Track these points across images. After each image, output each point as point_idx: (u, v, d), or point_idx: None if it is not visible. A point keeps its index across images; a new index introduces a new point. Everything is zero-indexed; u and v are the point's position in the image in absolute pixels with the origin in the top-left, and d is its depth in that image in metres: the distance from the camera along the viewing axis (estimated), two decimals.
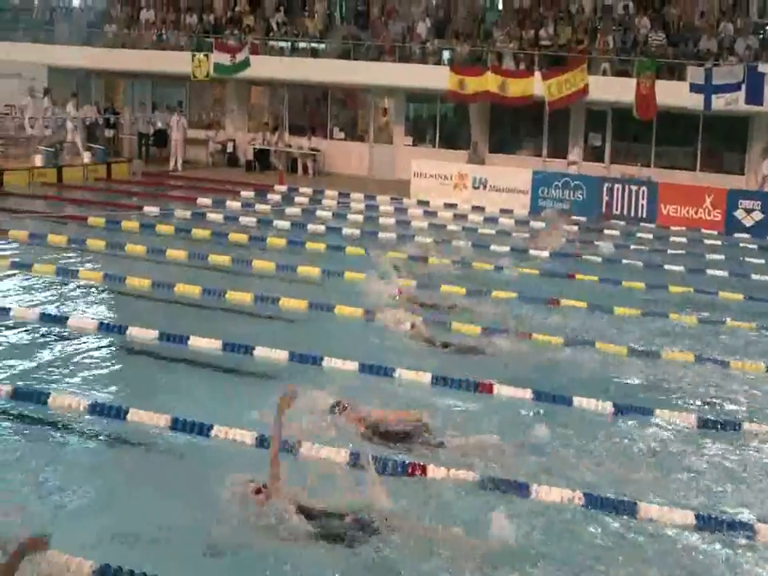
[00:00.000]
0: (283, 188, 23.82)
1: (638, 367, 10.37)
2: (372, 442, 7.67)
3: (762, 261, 17.35)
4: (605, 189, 22.05)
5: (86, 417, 8.15)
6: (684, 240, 19.49)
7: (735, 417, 8.98)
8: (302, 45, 28.66)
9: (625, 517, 6.80)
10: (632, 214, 21.76)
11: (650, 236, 19.81)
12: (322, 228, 18.41)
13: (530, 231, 19.35)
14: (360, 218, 20.20)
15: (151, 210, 19.59)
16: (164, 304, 12.39)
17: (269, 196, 22.75)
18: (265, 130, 28.48)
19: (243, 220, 19.07)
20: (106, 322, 11.20)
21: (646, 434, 8.45)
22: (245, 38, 28.00)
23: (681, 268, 16.20)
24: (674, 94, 21.80)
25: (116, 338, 10.63)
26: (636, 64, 22.93)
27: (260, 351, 10.07)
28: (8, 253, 14.79)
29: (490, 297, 12.95)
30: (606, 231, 19.79)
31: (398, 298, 12.24)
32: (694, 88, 21.18)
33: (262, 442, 7.54)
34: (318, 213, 20.56)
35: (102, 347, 10.34)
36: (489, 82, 23.22)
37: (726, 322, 12.47)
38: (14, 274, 13.50)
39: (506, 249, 17.12)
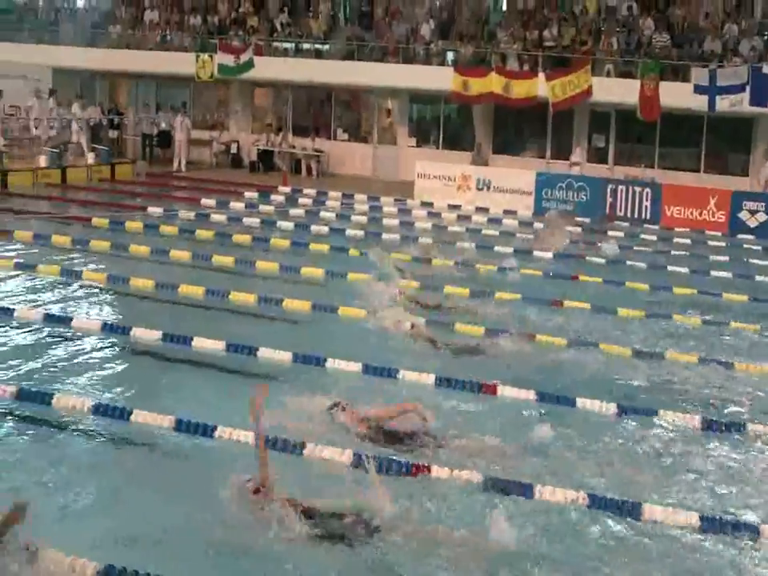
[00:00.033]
0: (287, 189, 23.83)
1: (641, 368, 10.36)
2: (373, 443, 7.67)
3: (767, 262, 17.32)
4: (608, 190, 22.04)
5: (90, 417, 8.16)
6: (688, 241, 19.47)
7: (739, 418, 8.97)
8: (305, 46, 28.69)
9: (629, 518, 6.79)
10: (636, 215, 21.73)
11: (654, 237, 19.79)
12: (325, 229, 18.41)
13: (533, 232, 19.34)
14: (364, 219, 20.20)
15: (155, 210, 19.61)
16: (168, 305, 12.40)
17: (272, 197, 22.76)
18: (269, 130, 28.50)
19: (247, 221, 19.08)
20: (109, 322, 11.21)
21: (649, 436, 8.44)
22: (249, 38, 28.03)
23: (685, 269, 16.19)
24: (678, 96, 21.78)
25: (120, 338, 10.64)
26: (640, 65, 22.91)
27: (264, 352, 10.07)
28: (12, 253, 14.81)
29: (494, 298, 12.91)
30: (610, 232, 19.77)
31: (398, 299, 12.23)
32: (699, 89, 21.15)
33: (266, 442, 7.53)
34: (322, 214, 20.56)
35: (105, 348, 10.35)
36: (493, 83, 23.20)
37: (731, 323, 12.45)
38: (19, 275, 13.51)
39: (510, 250, 17.12)
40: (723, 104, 20.96)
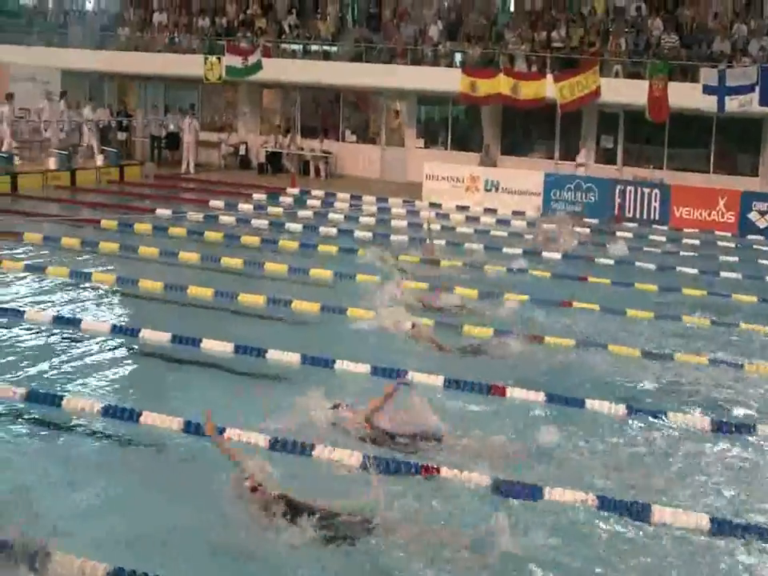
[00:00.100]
0: (295, 191, 23.85)
1: (650, 370, 10.34)
2: (377, 445, 7.67)
3: None
4: (617, 191, 22.00)
5: (100, 419, 8.17)
6: (697, 242, 19.42)
7: (749, 419, 8.94)
8: (314, 47, 28.71)
9: (638, 520, 6.77)
10: (644, 216, 21.69)
11: (663, 238, 19.74)
12: (334, 231, 18.42)
13: (540, 234, 19.23)
14: (372, 220, 20.21)
15: (164, 212, 19.66)
16: (177, 306, 12.42)
17: (281, 199, 22.78)
18: (277, 132, 28.52)
19: (255, 222, 19.10)
20: (118, 324, 11.24)
21: (659, 437, 8.42)
22: (257, 40, 28.06)
23: (694, 270, 16.15)
24: (686, 96, 21.71)
25: (129, 340, 10.66)
26: (648, 66, 22.86)
27: (272, 354, 10.08)
28: (22, 255, 14.87)
29: (503, 299, 12.84)
30: (619, 233, 19.73)
31: (399, 298, 12.22)
32: (708, 90, 21.09)
33: (275, 444, 7.56)
34: (330, 215, 20.57)
35: (114, 350, 10.37)
36: (501, 84, 23.18)
37: (740, 324, 12.41)
38: (28, 277, 13.55)
39: (519, 251, 17.10)
40: (732, 104, 20.89)
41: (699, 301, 13.85)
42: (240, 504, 6.36)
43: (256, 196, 22.79)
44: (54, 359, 9.88)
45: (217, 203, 21.22)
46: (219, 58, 26.03)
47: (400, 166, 27.39)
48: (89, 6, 35.30)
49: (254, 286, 13.34)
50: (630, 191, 21.90)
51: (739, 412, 9.19)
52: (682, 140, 24.44)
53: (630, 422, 8.73)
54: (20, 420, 8.18)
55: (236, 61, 25.72)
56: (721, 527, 6.66)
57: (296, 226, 18.80)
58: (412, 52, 26.95)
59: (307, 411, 8.04)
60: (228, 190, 23.83)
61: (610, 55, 24.68)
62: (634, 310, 12.79)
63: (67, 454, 7.60)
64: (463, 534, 6.34)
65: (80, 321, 11.16)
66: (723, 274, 16.04)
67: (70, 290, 13.01)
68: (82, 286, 13.26)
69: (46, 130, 25.04)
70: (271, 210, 21.10)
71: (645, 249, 18.27)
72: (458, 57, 26.73)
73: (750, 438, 8.49)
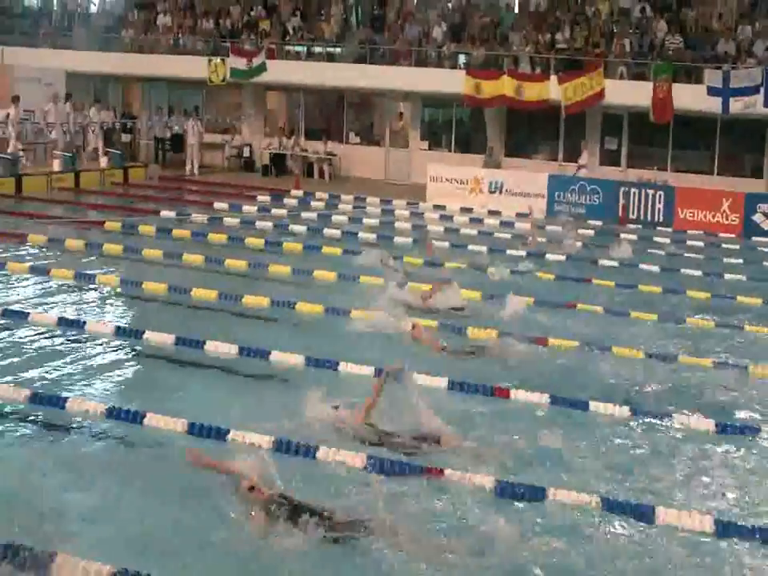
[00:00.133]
0: (299, 192, 23.86)
1: (655, 372, 10.32)
2: (375, 444, 7.68)
3: None
4: (621, 193, 22.00)
5: (104, 421, 8.18)
6: (701, 244, 19.41)
7: (754, 421, 8.92)
8: (318, 49, 28.76)
9: (642, 521, 6.76)
10: (648, 218, 21.69)
11: (667, 240, 19.73)
12: (338, 232, 18.42)
13: (534, 237, 19.13)
14: (376, 222, 20.21)
15: (168, 214, 19.68)
16: (181, 308, 12.42)
17: (285, 200, 22.80)
18: (281, 134, 28.55)
19: (259, 224, 19.11)
20: (123, 326, 11.25)
21: (663, 439, 8.41)
22: (261, 42, 28.11)
23: (698, 272, 16.13)
24: (691, 98, 21.73)
25: (133, 342, 10.67)
26: (653, 67, 22.87)
27: (276, 356, 10.08)
28: (26, 257, 14.89)
29: (506, 301, 12.79)
30: (623, 235, 19.71)
31: (401, 298, 12.23)
32: (712, 91, 21.11)
33: (279, 446, 7.57)
34: (334, 217, 20.58)
35: (119, 351, 10.38)
36: (505, 85, 23.22)
37: (744, 326, 12.39)
38: (33, 279, 13.57)
39: (523, 253, 17.09)
40: (737, 106, 20.90)
41: (703, 303, 13.83)
42: (242, 504, 6.37)
43: (260, 198, 22.81)
44: (58, 361, 9.88)
45: (221, 205, 21.24)
46: (223, 60, 26.10)
47: (404, 167, 27.43)
48: (93, 8, 35.39)
49: (258, 288, 13.33)
50: (634, 193, 21.91)
51: (744, 414, 9.17)
52: (686, 141, 24.44)
53: (634, 423, 8.71)
54: (24, 422, 8.19)
55: (240, 63, 25.79)
56: (725, 529, 6.64)
57: (300, 228, 18.81)
58: (416, 53, 26.99)
59: (308, 412, 8.05)
60: (232, 191, 23.87)
61: (614, 57, 24.68)
62: (638, 312, 12.77)
63: (71, 455, 7.60)
64: (465, 536, 6.33)
65: (84, 322, 11.16)
66: (727, 275, 16.02)
67: (75, 292, 13.04)
68: (86, 287, 13.27)
69: (50, 132, 25.09)
70: (275, 211, 21.10)
71: (649, 250, 18.26)
72: (462, 58, 26.77)
73: (754, 440, 8.47)
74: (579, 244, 18.40)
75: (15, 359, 9.85)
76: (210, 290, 12.84)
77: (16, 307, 11.76)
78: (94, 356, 10.16)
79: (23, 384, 8.94)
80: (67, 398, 8.52)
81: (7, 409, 8.37)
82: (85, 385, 9.19)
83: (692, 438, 8.46)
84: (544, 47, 25.66)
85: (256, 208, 21.35)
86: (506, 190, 23.04)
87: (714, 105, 21.14)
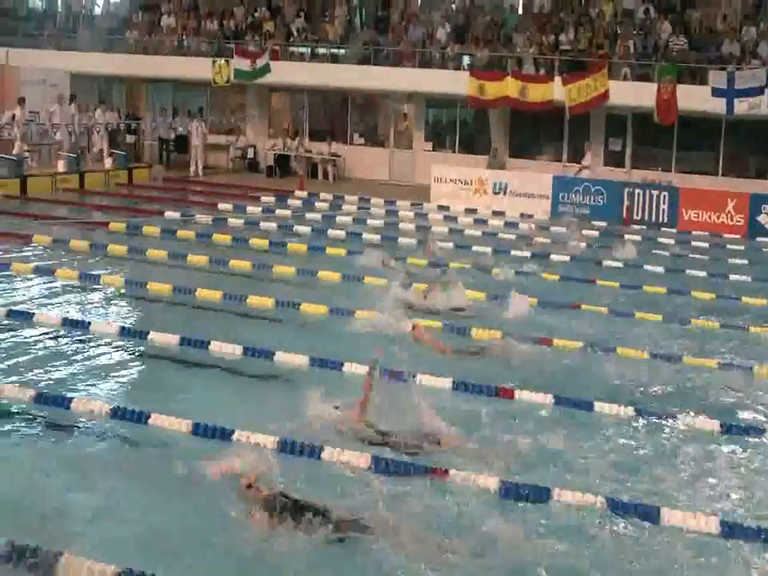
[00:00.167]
0: (303, 193, 23.88)
1: (659, 372, 10.31)
2: (373, 443, 7.68)
3: None
4: (625, 193, 21.99)
5: (108, 421, 8.19)
6: (706, 245, 19.38)
7: (759, 422, 8.91)
8: (322, 50, 28.78)
9: (647, 522, 6.74)
10: (653, 218, 21.67)
11: (672, 241, 19.71)
12: (342, 233, 18.43)
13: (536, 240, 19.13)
14: (380, 223, 20.22)
15: (172, 215, 19.70)
16: (185, 309, 12.43)
17: (289, 201, 22.81)
18: (285, 135, 28.58)
19: (264, 225, 19.12)
20: (127, 326, 11.26)
21: (667, 440, 8.40)
22: (265, 43, 28.13)
23: (703, 273, 16.11)
24: (695, 99, 21.71)
25: (137, 342, 10.67)
26: (657, 68, 22.84)
27: (281, 356, 10.08)
28: (31, 258, 14.91)
29: (509, 300, 12.75)
30: (627, 236, 19.69)
31: (405, 299, 12.23)
32: (716, 92, 21.09)
33: (284, 446, 7.57)
34: (339, 218, 20.58)
35: (123, 352, 10.39)
36: (509, 87, 23.20)
37: (749, 327, 12.37)
38: (38, 279, 13.59)
39: (527, 254, 17.09)
40: (741, 107, 20.87)
41: (708, 304, 13.81)
42: (242, 503, 6.38)
43: (264, 199, 22.83)
44: (63, 361, 9.90)
45: (225, 206, 21.26)
46: (227, 61, 26.11)
47: (408, 168, 27.43)
48: (98, 10, 35.45)
49: (263, 289, 13.34)
50: (639, 194, 21.89)
51: (749, 415, 9.16)
52: (690, 142, 24.43)
53: (639, 424, 8.70)
54: (29, 422, 8.20)
55: (244, 64, 25.81)
56: (731, 530, 6.63)
57: (304, 229, 18.82)
58: (420, 55, 27.00)
59: (309, 413, 8.06)
60: (236, 192, 23.89)
61: (618, 58, 24.67)
62: (643, 312, 12.75)
63: (76, 455, 7.61)
64: (468, 536, 6.32)
65: (89, 323, 11.17)
66: (732, 276, 16.00)
67: (79, 292, 13.05)
68: (90, 288, 13.29)
69: (55, 133, 25.13)
70: (279, 212, 21.12)
71: (653, 251, 18.24)
72: (466, 59, 26.77)
73: (759, 441, 8.45)
74: (583, 245, 18.39)
75: (20, 359, 9.86)
76: (214, 291, 12.86)
77: (21, 308, 11.78)
78: (99, 356, 10.17)
79: (28, 384, 8.96)
80: (72, 398, 8.53)
81: (12, 409, 8.38)
82: (89, 385, 9.20)
83: (697, 438, 8.45)
84: (548, 48, 25.65)
85: (260, 209, 21.37)
86: (510, 191, 23.03)
87: (718, 106, 21.12)
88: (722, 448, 8.29)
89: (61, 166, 23.31)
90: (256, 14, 30.40)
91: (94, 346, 10.47)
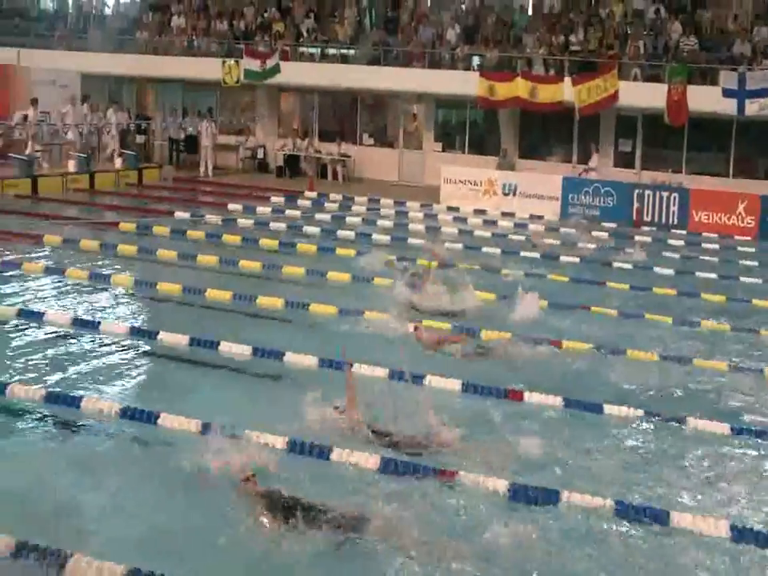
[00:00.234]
0: (313, 194, 23.89)
1: (669, 375, 10.27)
2: (379, 445, 7.68)
3: None
4: (635, 195, 21.93)
5: (118, 421, 8.21)
6: (716, 247, 19.32)
7: None
8: (331, 51, 28.79)
9: (656, 525, 6.72)
10: (663, 220, 21.61)
11: (682, 243, 19.65)
12: (351, 234, 18.43)
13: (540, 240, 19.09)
14: (390, 224, 20.22)
15: (182, 215, 19.74)
16: (195, 309, 12.45)
17: (299, 202, 22.83)
18: (295, 135, 28.61)
19: (273, 226, 19.14)
20: (137, 326, 11.29)
21: (677, 442, 8.37)
22: (275, 44, 28.16)
23: (713, 275, 16.06)
24: (706, 99, 21.63)
25: (147, 342, 10.70)
26: (667, 69, 22.78)
27: (290, 357, 10.08)
28: (42, 258, 14.96)
29: (517, 300, 12.69)
30: (637, 238, 19.64)
31: (402, 300, 12.23)
32: (727, 93, 21.01)
33: (293, 446, 7.57)
34: (348, 219, 20.59)
35: (133, 352, 10.41)
36: (519, 87, 23.17)
37: (760, 330, 12.32)
38: (48, 279, 13.63)
39: (536, 255, 17.06)
40: (752, 108, 20.79)
41: (718, 306, 13.77)
42: (241, 498, 6.40)
43: (274, 199, 22.85)
44: (72, 361, 9.93)
45: (235, 206, 21.28)
46: (237, 62, 26.15)
47: (418, 169, 27.42)
48: (108, 11, 35.55)
49: (272, 289, 13.35)
50: (649, 195, 21.82)
51: (759, 418, 9.12)
52: (701, 143, 24.35)
53: (648, 427, 8.68)
54: (39, 421, 8.22)
55: (254, 64, 25.82)
56: (741, 534, 6.60)
57: (314, 229, 18.83)
58: (430, 55, 26.99)
59: (309, 414, 8.08)
60: (246, 193, 23.92)
61: (628, 58, 24.61)
62: (653, 314, 12.71)
63: (85, 454, 7.63)
64: (475, 540, 6.30)
65: (99, 323, 11.20)
66: (743, 278, 15.94)
67: (89, 292, 13.08)
68: (100, 288, 13.32)
69: (66, 134, 25.21)
70: (289, 213, 21.14)
71: (663, 253, 18.19)
72: (476, 60, 26.74)
73: None
74: (593, 246, 18.35)
75: (30, 359, 9.90)
76: (224, 291, 12.88)
77: (32, 307, 11.82)
78: (109, 356, 10.19)
79: (38, 383, 8.98)
80: (82, 397, 8.56)
81: (23, 408, 8.41)
82: (99, 384, 9.23)
83: (707, 441, 8.42)
84: (558, 49, 25.61)
85: (270, 209, 21.39)
86: (520, 192, 23.00)
87: (729, 106, 21.04)
88: (732, 451, 8.26)
89: (71, 166, 23.38)
90: (266, 15, 30.44)
91: (103, 346, 10.50)
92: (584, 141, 25.10)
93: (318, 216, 20.73)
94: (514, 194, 23.05)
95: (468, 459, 7.58)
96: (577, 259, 16.90)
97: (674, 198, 21.61)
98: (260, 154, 29.03)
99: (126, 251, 15.76)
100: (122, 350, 10.40)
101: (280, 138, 29.35)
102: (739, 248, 19.29)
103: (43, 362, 9.84)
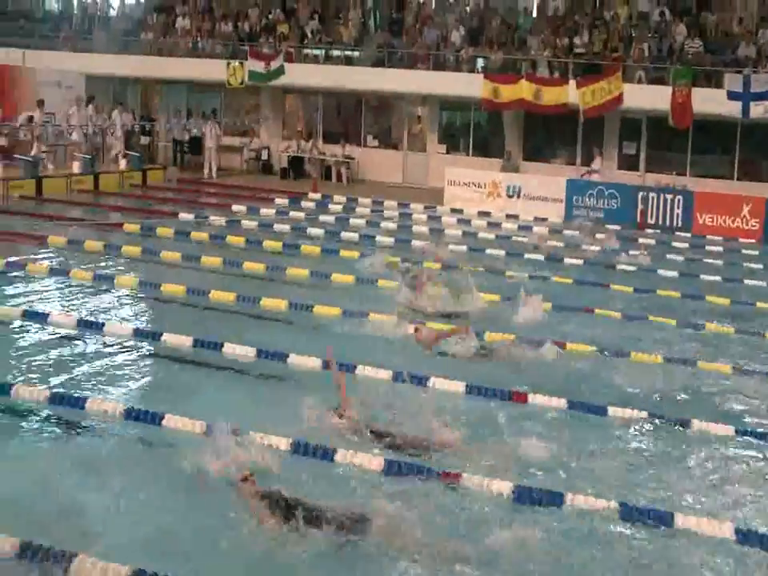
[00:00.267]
0: (317, 196, 23.90)
1: (673, 377, 10.26)
2: (378, 446, 7.68)
3: None
4: (639, 197, 21.91)
5: (122, 422, 8.21)
6: (721, 249, 19.29)
7: None
8: (336, 52, 28.80)
9: (661, 528, 6.72)
10: (667, 223, 21.59)
11: (686, 245, 19.63)
12: (355, 236, 18.43)
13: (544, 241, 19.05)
14: (394, 225, 20.22)
15: (186, 216, 19.76)
16: (198, 310, 12.46)
17: (303, 203, 22.84)
18: (299, 137, 28.62)
19: (277, 227, 19.15)
20: (141, 327, 11.30)
21: (681, 444, 8.37)
22: (279, 45, 28.18)
23: (717, 278, 16.04)
24: (710, 102, 21.61)
25: (151, 343, 10.71)
26: (672, 71, 22.76)
27: (294, 358, 10.08)
28: (46, 259, 14.98)
29: (520, 301, 12.66)
30: (641, 240, 19.63)
31: (405, 302, 12.23)
32: (732, 95, 20.99)
33: (297, 448, 7.58)
34: (352, 221, 20.59)
35: (137, 353, 10.42)
36: (523, 89, 23.17)
37: (765, 333, 12.30)
38: (52, 280, 13.65)
39: (541, 257, 17.06)
40: (757, 110, 20.77)
41: (723, 308, 13.75)
42: (239, 497, 6.42)
43: (278, 201, 22.86)
44: (77, 362, 9.94)
45: (239, 208, 21.30)
46: (242, 63, 26.17)
47: (422, 171, 27.43)
48: (113, 12, 35.60)
49: (276, 291, 13.37)
50: (653, 198, 21.80)
51: (763, 420, 9.11)
52: (705, 146, 24.32)
53: (652, 429, 8.67)
54: (43, 422, 8.23)
55: (258, 66, 25.84)
56: (746, 536, 6.59)
57: (318, 231, 18.83)
58: (434, 57, 27.00)
59: (308, 415, 8.09)
60: (250, 194, 23.94)
61: (632, 61, 24.59)
62: (657, 317, 12.70)
63: (89, 455, 7.63)
64: (478, 542, 6.30)
65: (103, 324, 11.21)
66: (747, 281, 15.92)
67: (93, 293, 13.10)
68: (104, 289, 13.34)
69: (70, 134, 25.24)
70: (293, 214, 21.15)
71: (667, 256, 18.18)
72: (480, 62, 26.75)
73: None
74: (597, 248, 18.34)
75: (35, 360, 9.91)
76: (227, 292, 12.89)
77: (36, 308, 11.83)
78: (113, 357, 10.20)
79: (43, 384, 8.99)
80: (86, 398, 8.57)
81: (27, 409, 8.43)
82: (103, 385, 9.24)
83: (711, 443, 8.41)
84: (562, 51, 25.61)
85: (274, 211, 21.41)
86: (524, 194, 22.99)
87: (734, 109, 21.02)
88: (737, 453, 8.25)
89: (76, 167, 23.41)
90: (270, 16, 30.46)
91: (107, 347, 10.52)
92: (588, 143, 25.10)
93: (322, 218, 20.73)
94: (518, 196, 23.05)
95: (472, 461, 7.58)
96: (581, 261, 16.89)
97: (679, 200, 21.60)
98: (264, 156, 29.04)
99: (130, 252, 15.78)
100: (126, 351, 10.41)
101: (284, 139, 29.37)
102: (744, 251, 19.26)
103: (48, 362, 9.86)
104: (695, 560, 6.37)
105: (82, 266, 14.39)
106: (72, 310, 12.04)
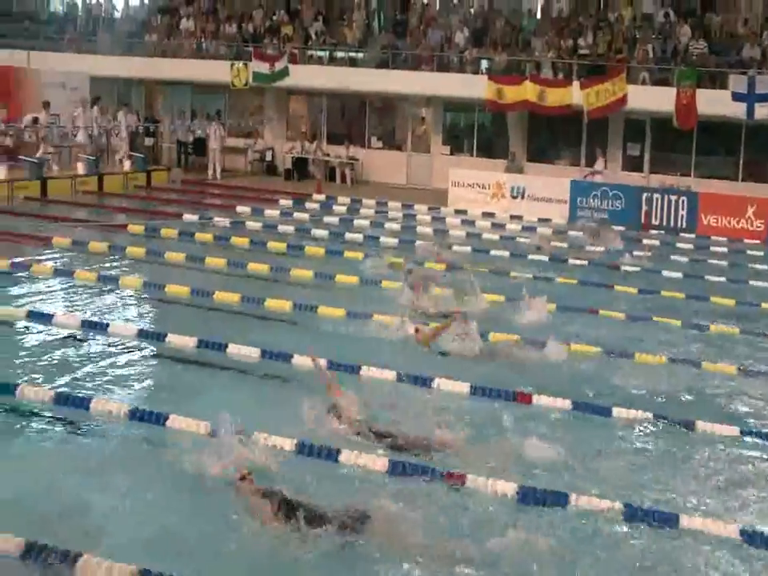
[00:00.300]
0: (321, 197, 23.91)
1: (678, 378, 10.25)
2: (380, 446, 7.68)
3: None
4: (644, 198, 21.90)
5: (127, 422, 8.22)
6: (725, 250, 19.27)
7: None
8: (340, 54, 28.81)
9: (665, 529, 6.71)
10: (671, 224, 21.57)
11: (690, 246, 19.61)
12: (359, 237, 18.44)
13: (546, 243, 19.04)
14: (398, 226, 20.22)
15: (190, 217, 19.77)
16: (203, 311, 12.47)
17: (307, 204, 22.85)
18: (303, 138, 28.63)
19: (282, 228, 19.17)
20: (145, 328, 11.32)
21: (686, 445, 8.35)
22: (283, 47, 28.21)
23: (722, 279, 16.02)
24: (715, 103, 21.59)
25: (155, 344, 10.71)
26: (676, 73, 22.75)
27: (298, 359, 10.08)
28: (51, 259, 15.00)
29: (524, 304, 12.65)
30: (645, 241, 19.60)
31: (408, 303, 12.23)
32: (737, 97, 20.98)
33: (301, 449, 7.58)
34: (356, 222, 20.60)
35: (141, 353, 10.43)
36: (527, 91, 23.18)
37: None
38: (57, 281, 13.67)
39: (545, 258, 17.05)
40: (762, 111, 20.77)
41: (727, 309, 13.73)
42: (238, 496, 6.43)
43: (282, 202, 22.88)
44: (81, 362, 9.95)
45: (243, 209, 21.32)
46: (246, 65, 26.21)
47: (426, 172, 27.43)
48: (117, 14, 35.65)
49: (280, 292, 13.38)
50: (657, 199, 21.78)
51: None
52: (710, 147, 24.30)
53: (657, 430, 8.66)
54: (48, 422, 8.25)
55: (263, 67, 25.88)
56: (751, 537, 6.58)
57: (322, 232, 18.84)
58: (438, 59, 27.00)
59: (307, 416, 8.10)
60: (254, 195, 23.94)
61: (637, 62, 24.58)
62: (661, 318, 12.68)
63: (94, 456, 7.64)
64: (482, 543, 6.29)
65: (107, 324, 11.22)
66: (752, 282, 15.90)
67: (98, 294, 13.12)
68: (109, 290, 13.36)
69: (75, 136, 25.28)
70: (297, 215, 21.17)
71: (672, 257, 18.16)
72: (484, 63, 26.74)
73: None
74: (601, 249, 18.33)
75: (39, 360, 9.93)
76: (232, 293, 12.90)
77: (40, 309, 11.85)
78: (117, 357, 10.22)
79: (47, 384, 9.01)
80: (91, 398, 8.58)
81: (32, 409, 8.44)
82: (108, 386, 9.25)
83: (715, 444, 8.40)
84: (566, 53, 25.59)
85: (278, 212, 21.42)
86: (528, 195, 22.99)
87: (738, 110, 21.01)
88: (742, 454, 8.24)
89: (80, 168, 23.45)
90: (274, 18, 30.48)
91: (112, 348, 10.53)
92: (592, 144, 25.08)
93: (326, 219, 20.74)
94: (522, 197, 23.04)
95: (476, 462, 7.58)
96: (585, 262, 16.88)
97: (683, 201, 21.57)
98: (268, 157, 29.06)
99: (135, 253, 15.80)
100: (130, 352, 10.42)
101: (288, 140, 29.39)
102: (748, 251, 19.24)
103: (52, 363, 9.87)
104: (700, 561, 6.36)
105: (87, 267, 14.43)
106: (76, 310, 12.06)
